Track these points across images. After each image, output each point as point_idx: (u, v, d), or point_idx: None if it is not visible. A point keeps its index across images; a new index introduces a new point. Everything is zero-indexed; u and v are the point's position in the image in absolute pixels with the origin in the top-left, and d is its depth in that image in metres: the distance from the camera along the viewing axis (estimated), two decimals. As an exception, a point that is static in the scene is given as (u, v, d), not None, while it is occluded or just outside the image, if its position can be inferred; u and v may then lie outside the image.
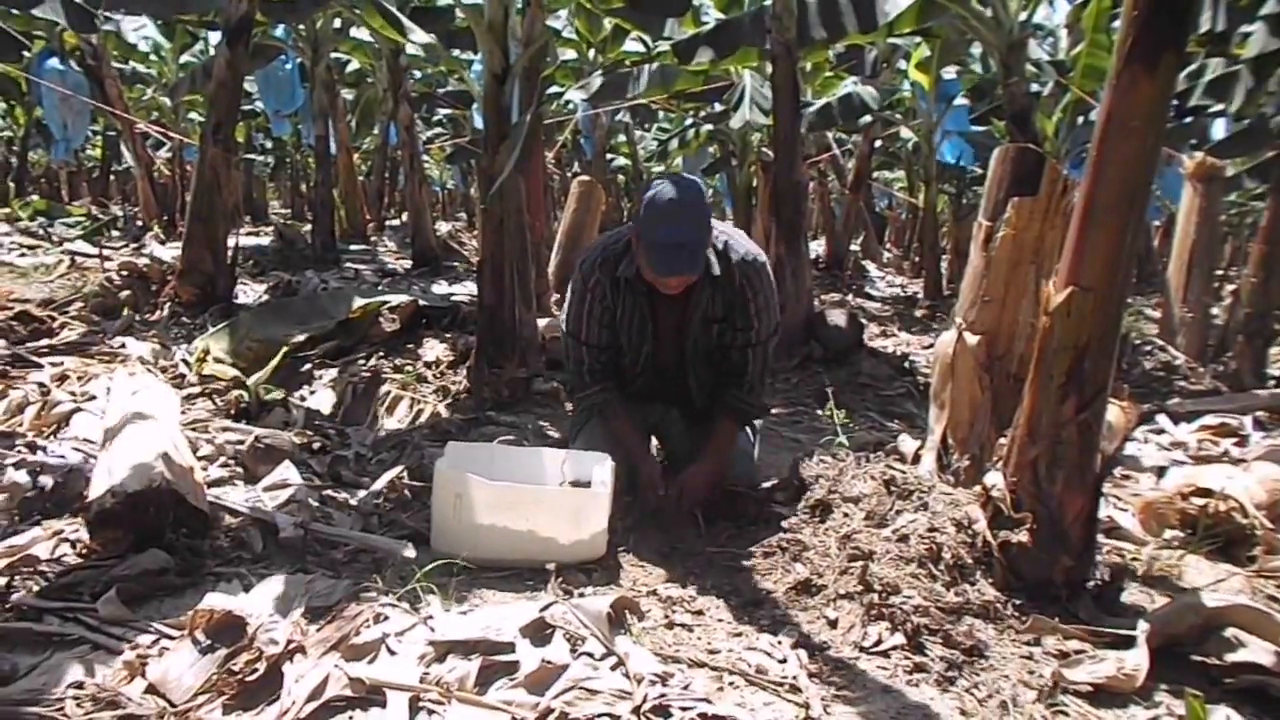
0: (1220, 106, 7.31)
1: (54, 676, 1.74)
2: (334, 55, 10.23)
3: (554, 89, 10.94)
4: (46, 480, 2.56)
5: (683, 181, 2.47)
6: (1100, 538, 2.46)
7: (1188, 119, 8.34)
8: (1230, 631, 1.97)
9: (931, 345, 4.46)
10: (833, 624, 2.06)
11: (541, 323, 4.53)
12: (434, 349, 4.37)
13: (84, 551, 2.21)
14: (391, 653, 1.75)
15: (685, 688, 1.69)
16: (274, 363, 3.83)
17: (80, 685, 1.70)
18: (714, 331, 2.69)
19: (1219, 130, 8.59)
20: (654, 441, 3.01)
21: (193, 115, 12.96)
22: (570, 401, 2.90)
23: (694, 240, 2.43)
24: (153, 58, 12.40)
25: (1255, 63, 6.27)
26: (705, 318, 2.66)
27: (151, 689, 1.69)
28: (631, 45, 10.37)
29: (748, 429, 3.26)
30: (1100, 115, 2.08)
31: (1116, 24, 2.09)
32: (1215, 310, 6.18)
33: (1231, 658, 1.92)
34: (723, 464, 2.73)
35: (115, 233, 9.47)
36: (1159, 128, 2.06)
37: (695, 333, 2.69)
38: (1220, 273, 10.45)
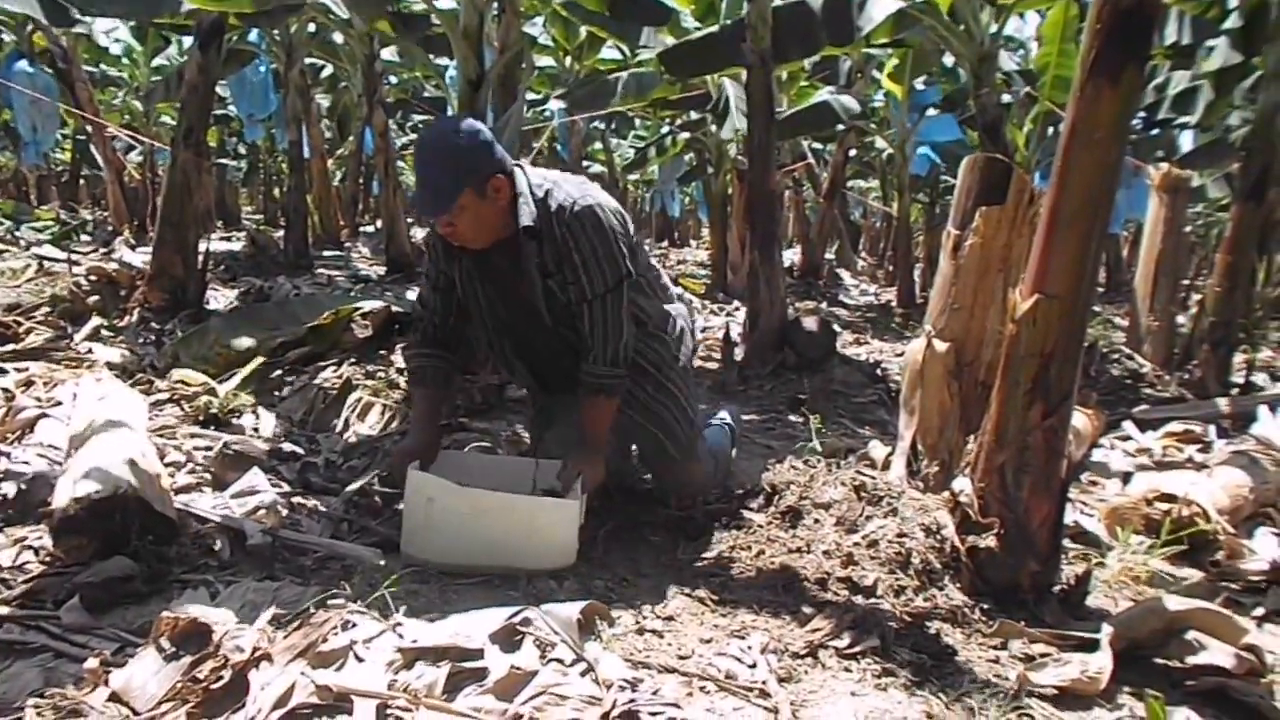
0: (1187, 119, 7.46)
1: (14, 685, 1.72)
2: (308, 60, 10.16)
3: (531, 96, 10.92)
4: (10, 487, 2.53)
5: (441, 124, 2.39)
6: (1066, 542, 2.50)
7: (1156, 131, 8.48)
8: (1192, 634, 2.00)
9: (904, 353, 4.48)
10: (802, 629, 2.07)
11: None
12: (407, 355, 4.34)
13: (47, 558, 2.19)
14: (359, 660, 1.74)
15: (655, 693, 1.70)
16: (246, 372, 3.80)
17: (41, 694, 1.68)
18: (554, 289, 2.49)
19: (1187, 142, 8.73)
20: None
21: (165, 119, 12.84)
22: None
23: (434, 178, 2.35)
24: (124, 61, 12.26)
25: (1216, 76, 6.42)
26: (541, 273, 2.47)
27: (115, 697, 1.66)
28: (609, 53, 10.37)
29: (727, 431, 3.26)
30: (1065, 126, 2.11)
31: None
32: (1181, 319, 6.26)
33: (1193, 660, 1.96)
34: (597, 447, 2.57)
35: (84, 237, 9.33)
36: (1122, 139, 2.10)
37: (538, 293, 2.50)
38: (1186, 282, 10.59)
